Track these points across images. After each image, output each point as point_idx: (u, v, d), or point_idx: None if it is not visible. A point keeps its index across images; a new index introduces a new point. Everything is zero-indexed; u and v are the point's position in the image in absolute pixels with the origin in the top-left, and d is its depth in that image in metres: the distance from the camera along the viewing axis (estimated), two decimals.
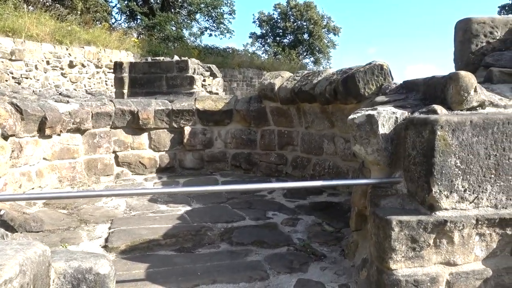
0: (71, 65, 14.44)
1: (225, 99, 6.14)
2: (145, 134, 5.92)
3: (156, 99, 6.27)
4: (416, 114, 2.48)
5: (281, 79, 5.64)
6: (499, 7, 28.23)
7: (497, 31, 3.63)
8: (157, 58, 11.25)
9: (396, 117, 2.48)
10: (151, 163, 5.93)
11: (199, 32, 30.51)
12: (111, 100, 5.70)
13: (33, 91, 5.05)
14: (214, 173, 6.04)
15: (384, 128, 2.46)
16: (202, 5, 27.84)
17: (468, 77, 2.44)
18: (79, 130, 5.21)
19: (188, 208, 4.33)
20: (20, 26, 13.38)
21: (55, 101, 5.09)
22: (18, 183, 4.35)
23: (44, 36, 13.94)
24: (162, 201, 4.57)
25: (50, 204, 4.33)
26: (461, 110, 2.52)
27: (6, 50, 12.31)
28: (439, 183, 2.17)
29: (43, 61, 13.48)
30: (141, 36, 24.01)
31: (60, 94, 5.50)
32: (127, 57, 17.36)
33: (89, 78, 15.34)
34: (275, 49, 40.34)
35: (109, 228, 3.69)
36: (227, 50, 26.92)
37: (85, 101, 5.44)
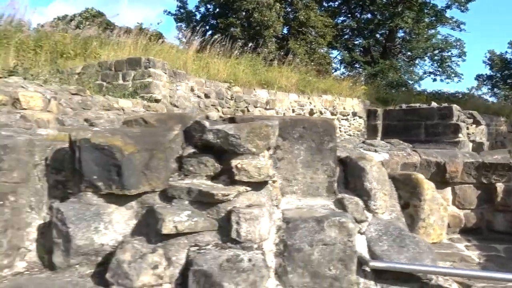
0: (311, 113, 15.33)
1: None
2: (448, 189, 5.31)
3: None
4: None
5: None
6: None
7: None
8: (413, 105, 10.76)
9: None
10: (455, 222, 5.23)
11: (417, 78, 29.19)
12: (414, 150, 5.35)
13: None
14: None
15: None
16: (426, 49, 26.61)
17: None
18: None
19: None
20: (272, 79, 15.06)
21: (363, 149, 5.01)
22: None
23: (290, 87, 15.33)
24: None
25: None
26: None
27: (262, 100, 13.88)
28: None
29: (289, 109, 14.69)
30: (364, 84, 24.25)
31: (363, 142, 5.47)
32: (358, 104, 17.55)
33: None
34: (506, 92, 35.39)
35: None
36: (456, 94, 24.71)
37: (388, 150, 5.23)
